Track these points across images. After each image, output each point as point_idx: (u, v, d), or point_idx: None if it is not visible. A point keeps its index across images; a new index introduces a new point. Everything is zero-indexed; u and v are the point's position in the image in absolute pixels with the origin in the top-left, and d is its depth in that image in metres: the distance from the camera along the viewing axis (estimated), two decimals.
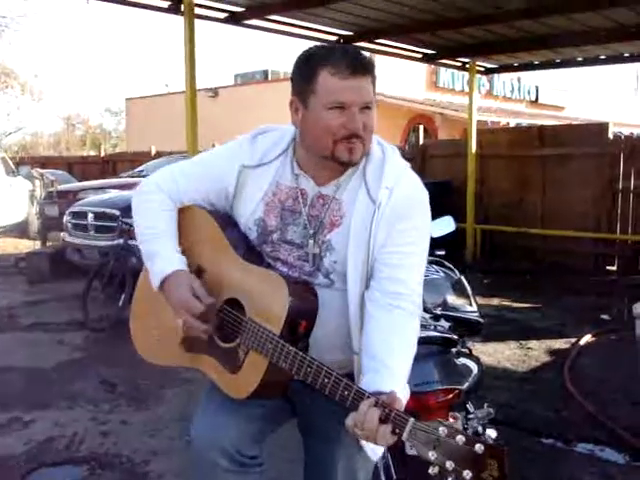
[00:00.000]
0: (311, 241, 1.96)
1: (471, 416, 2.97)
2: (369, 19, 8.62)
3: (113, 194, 10.13)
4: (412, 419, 1.63)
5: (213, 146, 12.08)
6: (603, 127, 10.92)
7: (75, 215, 9.21)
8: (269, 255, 2.03)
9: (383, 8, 8.03)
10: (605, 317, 7.82)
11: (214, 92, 25.83)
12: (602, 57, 10.88)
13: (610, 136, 10.78)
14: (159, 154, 18.07)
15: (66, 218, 9.35)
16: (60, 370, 5.95)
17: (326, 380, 1.75)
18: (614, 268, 10.75)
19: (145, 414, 4.94)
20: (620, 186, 10.59)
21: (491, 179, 11.98)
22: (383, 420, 1.65)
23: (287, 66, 29.31)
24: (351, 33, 9.47)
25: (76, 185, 13.91)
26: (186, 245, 2.11)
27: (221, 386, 2.01)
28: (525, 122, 19.05)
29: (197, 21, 7.99)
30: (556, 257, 10.91)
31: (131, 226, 7.93)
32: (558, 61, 11.36)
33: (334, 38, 9.51)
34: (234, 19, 8.41)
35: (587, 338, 6.77)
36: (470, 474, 1.55)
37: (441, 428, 1.60)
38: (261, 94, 24.04)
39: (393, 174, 1.91)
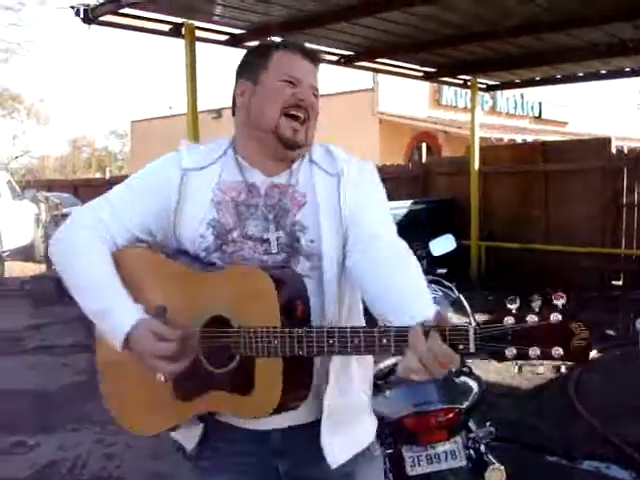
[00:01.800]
0: (272, 226, 1.84)
1: (472, 435, 2.96)
2: (369, 39, 8.67)
3: None
4: (471, 326, 1.45)
5: None
6: (606, 142, 10.94)
7: None
8: (232, 257, 1.84)
9: (382, 28, 8.08)
10: (611, 332, 7.79)
11: (218, 113, 25.94)
12: (603, 72, 10.90)
13: (613, 150, 10.79)
14: None
15: None
16: (65, 393, 5.95)
17: (356, 340, 1.55)
18: (619, 283, 10.72)
19: (149, 437, 4.93)
20: (624, 200, 10.58)
21: (495, 196, 11.98)
22: (443, 340, 1.46)
23: None
24: (352, 53, 9.51)
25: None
26: (134, 292, 1.81)
27: (239, 415, 1.78)
28: (529, 138, 19.06)
29: (199, 43, 8.07)
30: (561, 272, 10.87)
31: None
32: (559, 77, 11.39)
33: (335, 58, 9.55)
34: (234, 41, 8.46)
35: (593, 354, 6.72)
36: (560, 350, 1.39)
37: (506, 318, 1.42)
38: None
39: (343, 154, 1.94)
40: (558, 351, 1.38)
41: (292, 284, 1.74)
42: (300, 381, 1.72)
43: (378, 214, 1.86)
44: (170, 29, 7.89)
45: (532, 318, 1.40)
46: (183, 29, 7.78)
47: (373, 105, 20.17)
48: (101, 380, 1.94)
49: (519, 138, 19.13)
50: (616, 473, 4.21)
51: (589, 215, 10.77)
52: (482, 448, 3.01)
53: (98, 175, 34.79)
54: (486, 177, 11.92)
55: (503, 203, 11.87)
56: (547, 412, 5.26)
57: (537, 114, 25.47)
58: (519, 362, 1.42)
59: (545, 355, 1.39)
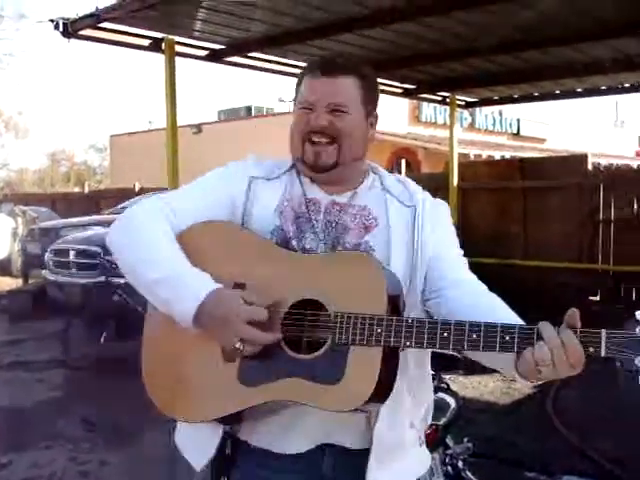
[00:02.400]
0: (322, 245, 1.79)
1: (450, 451, 2.95)
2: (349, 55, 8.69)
3: (95, 231, 10.11)
4: (603, 330, 1.42)
5: None
6: (582, 158, 11.04)
7: (57, 252, 9.18)
8: None
9: (362, 44, 8.11)
10: None
11: (198, 128, 25.94)
12: (579, 90, 11.01)
13: (589, 167, 10.89)
14: (143, 190, 18.08)
15: (48, 255, 9.32)
16: (39, 409, 5.89)
17: (475, 335, 1.49)
18: (597, 298, 10.79)
19: (124, 454, 4.88)
20: (601, 216, 10.67)
21: (473, 212, 12.04)
22: None
23: (270, 102, 29.50)
24: None
25: (58, 222, 13.87)
26: (207, 270, 1.70)
27: (323, 406, 1.60)
28: (508, 154, 19.23)
29: (179, 58, 8.06)
30: (539, 288, 10.91)
31: (113, 263, 7.93)
32: (537, 94, 11.47)
33: None
34: (215, 57, 8.45)
35: None
36: None
37: (638, 328, 1.40)
38: (244, 130, 24.18)
39: (417, 187, 1.92)
40: None
41: (395, 280, 1.68)
42: (389, 378, 1.62)
43: (458, 261, 1.85)
44: (150, 44, 7.86)
45: None
46: (163, 44, 7.76)
47: None
48: (144, 362, 1.80)
49: (497, 155, 19.29)
50: None
51: (566, 231, 10.84)
52: (460, 464, 3.00)
53: (77, 189, 34.55)
54: (465, 193, 11.98)
55: (481, 219, 11.93)
56: (525, 427, 5.27)
57: (515, 131, 25.77)
58: None
59: None
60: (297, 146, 1.83)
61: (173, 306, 1.64)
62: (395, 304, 1.61)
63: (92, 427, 5.41)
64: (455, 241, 1.89)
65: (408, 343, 1.53)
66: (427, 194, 1.91)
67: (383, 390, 1.60)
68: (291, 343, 1.63)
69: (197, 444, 1.83)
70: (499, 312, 1.64)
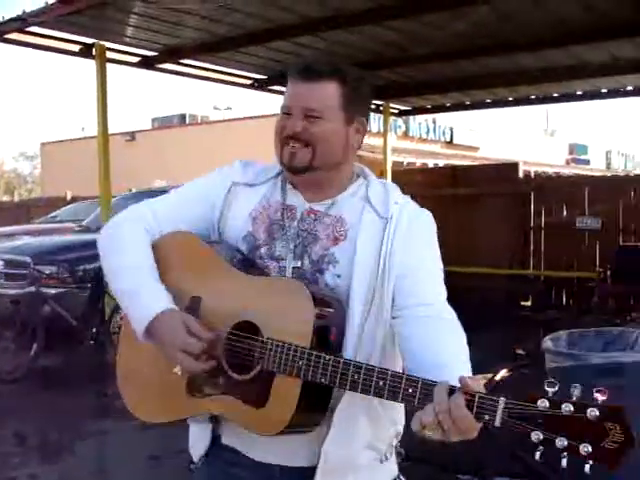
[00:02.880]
0: (290, 254, 1.80)
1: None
2: (281, 63, 8.69)
3: (25, 240, 9.87)
4: (502, 399, 1.36)
5: (129, 190, 11.95)
6: (514, 167, 11.28)
7: None
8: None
9: (294, 51, 8.13)
10: (520, 352, 7.96)
11: (131, 136, 25.66)
12: (510, 99, 11.25)
13: (520, 175, 11.13)
14: (75, 199, 17.76)
15: None
16: None
17: (381, 382, 1.49)
18: (528, 303, 11.01)
19: (56, 467, 4.77)
20: (532, 223, 10.91)
21: None
22: (469, 407, 1.38)
23: (205, 110, 29.35)
24: (265, 77, 9.54)
25: None
26: (171, 279, 1.81)
27: (248, 428, 1.69)
28: (441, 162, 19.49)
29: (112, 65, 7.95)
30: (472, 294, 11.07)
31: (43, 273, 7.76)
32: (468, 103, 11.69)
33: (248, 82, 9.57)
34: (147, 63, 8.39)
35: (502, 373, 6.86)
36: (589, 447, 1.28)
37: (540, 401, 1.33)
38: (179, 137, 24.00)
39: (400, 197, 1.85)
40: (586, 448, 1.29)
41: (330, 307, 1.68)
42: (314, 408, 1.65)
43: (428, 278, 1.78)
44: (80, 49, 7.75)
45: (568, 407, 1.32)
46: (94, 49, 7.65)
47: None
48: (118, 362, 1.93)
49: (431, 162, 19.54)
50: None
51: (499, 237, 11.04)
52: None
53: (6, 198, 33.78)
54: None
55: None
56: None
57: (449, 139, 26.12)
58: (541, 448, 1.33)
59: (571, 448, 1.30)
60: (277, 149, 1.82)
61: (130, 318, 1.77)
62: (324, 336, 1.63)
63: (22, 441, 5.28)
64: (431, 259, 1.82)
65: (323, 380, 1.55)
66: (408, 205, 1.85)
67: (307, 418, 1.64)
68: (234, 360, 1.68)
69: (194, 441, 1.93)
70: (443, 356, 1.58)
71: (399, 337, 1.70)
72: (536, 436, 1.32)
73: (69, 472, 4.67)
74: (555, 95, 10.91)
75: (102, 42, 7.65)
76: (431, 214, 1.89)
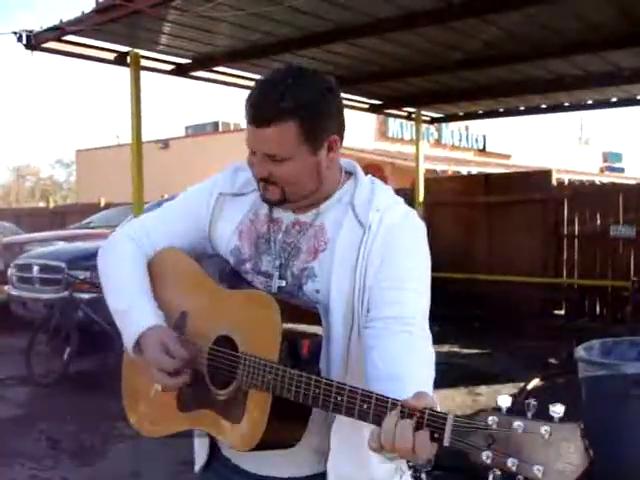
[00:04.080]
0: (276, 273, 1.77)
1: (411, 463, 2.94)
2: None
3: (59, 246, 10.01)
4: (450, 415, 1.30)
5: (162, 197, 12.04)
6: (547, 174, 11.19)
7: (20, 267, 9.08)
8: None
9: (328, 59, 8.16)
10: (553, 361, 7.90)
11: (165, 143, 25.87)
12: (543, 106, 11.18)
13: (554, 182, 11.04)
14: (108, 205, 17.94)
15: (11, 271, 9.21)
16: (1, 427, 5.78)
17: (339, 398, 1.44)
18: (562, 312, 10.90)
19: (88, 471, 4.82)
20: (565, 231, 10.81)
21: (439, 227, 12.09)
22: (417, 427, 1.32)
23: (237, 117, 29.55)
24: None
25: (22, 237, 13.70)
26: (165, 295, 1.85)
27: (226, 443, 1.72)
28: (474, 170, 19.39)
29: (146, 73, 8.04)
30: (504, 302, 11.00)
31: (77, 278, 7.85)
32: (501, 110, 11.64)
33: None
34: (180, 71, 8.46)
35: (535, 382, 6.81)
36: (541, 469, 1.18)
37: (490, 418, 1.25)
38: (212, 145, 24.13)
39: (384, 200, 1.75)
40: (539, 470, 1.18)
41: (307, 322, 1.65)
42: (289, 425, 1.61)
43: (404, 291, 1.66)
44: (115, 57, 7.85)
45: (519, 424, 1.22)
46: (128, 58, 7.75)
47: None
48: (123, 381, 1.99)
49: (464, 170, 19.45)
50: None
51: (531, 245, 10.96)
52: (424, 477, 2.99)
53: (42, 204, 34.23)
54: (431, 208, 12.04)
55: (448, 234, 11.99)
56: None
57: (481, 147, 25.98)
58: (493, 471, 1.24)
59: (523, 470, 1.20)
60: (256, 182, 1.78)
61: (122, 336, 1.81)
62: (294, 347, 1.60)
63: (55, 444, 5.33)
64: (411, 270, 1.69)
65: (288, 395, 1.52)
66: (390, 211, 1.73)
67: (283, 433, 1.61)
68: (217, 375, 1.70)
69: (196, 451, 1.95)
70: (399, 368, 1.53)
71: (364, 347, 1.63)
72: (487, 456, 1.24)
73: (101, 475, 4.72)
74: (589, 102, 10.81)
75: (137, 50, 7.75)
76: (417, 216, 1.79)
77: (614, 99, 10.60)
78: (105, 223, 12.56)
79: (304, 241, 1.77)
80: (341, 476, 1.68)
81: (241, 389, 1.63)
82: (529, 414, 1.22)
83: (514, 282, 11.00)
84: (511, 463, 1.21)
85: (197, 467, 1.92)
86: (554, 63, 8.41)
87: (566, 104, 10.95)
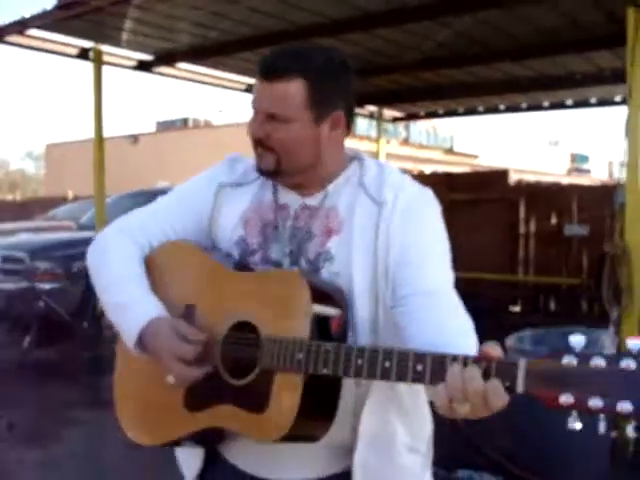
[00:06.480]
0: (287, 260, 1.69)
1: None
2: None
3: (22, 237, 10.09)
4: (524, 360, 1.22)
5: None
6: (503, 174, 11.47)
7: None
8: None
9: None
10: None
11: (134, 138, 25.88)
12: (501, 107, 11.41)
13: (510, 182, 11.31)
14: (77, 199, 17.96)
15: None
16: None
17: (387, 363, 1.34)
18: (517, 309, 11.17)
19: (42, 452, 4.98)
20: (522, 230, 11.08)
21: None
22: (486, 375, 1.24)
23: (207, 114, 29.60)
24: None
25: None
26: (165, 292, 1.73)
27: (250, 436, 1.55)
28: (440, 169, 19.63)
29: (115, 70, 8.14)
30: (465, 299, 11.18)
31: (37, 269, 7.97)
32: (461, 110, 11.86)
33: (242, 86, 9.76)
34: (143, 67, 8.57)
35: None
36: (628, 405, 1.12)
37: (565, 358, 1.18)
38: (181, 141, 24.21)
39: (396, 177, 1.71)
40: (626, 405, 1.12)
41: (331, 293, 1.57)
42: (320, 409, 1.51)
43: (429, 263, 1.62)
44: (78, 52, 7.95)
45: (598, 361, 1.16)
46: (91, 53, 7.86)
47: None
48: (115, 383, 1.83)
49: (429, 169, 19.68)
50: (487, 479, 4.48)
51: (489, 243, 11.18)
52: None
53: (10, 197, 34.02)
54: None
55: None
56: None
57: (449, 146, 26.23)
58: (574, 414, 1.17)
59: (608, 408, 1.14)
60: (253, 148, 1.72)
61: (120, 332, 1.70)
62: (324, 326, 1.50)
63: (11, 427, 5.47)
64: (433, 242, 1.67)
65: (325, 370, 1.42)
66: (405, 186, 1.69)
67: (311, 424, 1.51)
68: (233, 366, 1.58)
69: (184, 460, 1.84)
70: (443, 336, 1.46)
71: (398, 327, 1.56)
72: (566, 399, 1.17)
73: (55, 456, 4.88)
74: (544, 104, 11.06)
75: (99, 45, 7.85)
76: (431, 192, 1.74)
77: (569, 101, 10.85)
78: (69, 215, 12.63)
79: (316, 225, 1.70)
80: (370, 471, 1.62)
81: (263, 376, 1.51)
82: (604, 350, 1.18)
83: (470, 279, 11.22)
84: (593, 403, 1.15)
85: (189, 477, 1.80)
86: (506, 65, 8.63)
87: (523, 105, 11.19)
